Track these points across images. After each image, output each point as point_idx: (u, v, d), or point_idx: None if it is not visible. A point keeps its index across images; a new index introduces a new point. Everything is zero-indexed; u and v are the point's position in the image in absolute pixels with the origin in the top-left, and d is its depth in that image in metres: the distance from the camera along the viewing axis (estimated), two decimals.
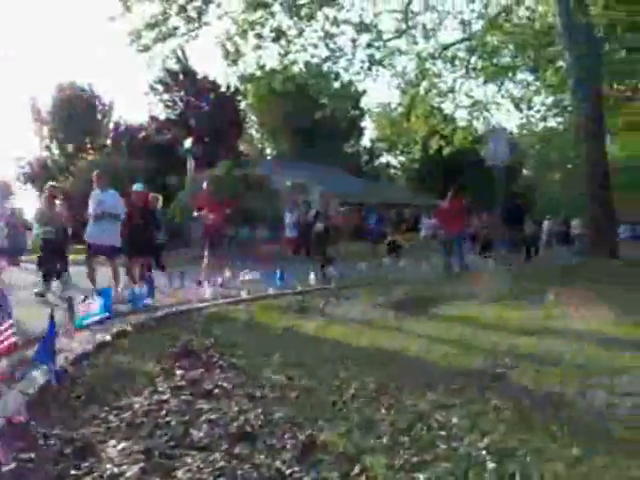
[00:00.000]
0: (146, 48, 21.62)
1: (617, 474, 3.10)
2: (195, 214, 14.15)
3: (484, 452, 3.40)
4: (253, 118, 64.32)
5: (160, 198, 14.22)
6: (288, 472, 3.16)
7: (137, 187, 12.34)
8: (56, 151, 49.55)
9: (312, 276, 12.99)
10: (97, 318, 7.88)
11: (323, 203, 16.00)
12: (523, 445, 3.48)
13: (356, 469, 3.18)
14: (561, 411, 4.09)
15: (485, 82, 25.76)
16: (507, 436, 3.64)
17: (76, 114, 45.95)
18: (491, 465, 3.22)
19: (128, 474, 3.17)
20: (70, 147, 46.09)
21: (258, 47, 22.81)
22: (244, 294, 10.76)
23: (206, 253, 13.51)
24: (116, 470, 3.22)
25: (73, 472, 3.21)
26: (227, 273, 13.46)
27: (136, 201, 12.02)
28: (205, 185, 14.96)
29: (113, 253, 11.37)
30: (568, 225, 33.52)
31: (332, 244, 14.52)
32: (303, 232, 16.90)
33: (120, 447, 3.53)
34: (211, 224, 13.54)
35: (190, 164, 30.28)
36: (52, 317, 5.06)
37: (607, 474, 3.10)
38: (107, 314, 8.15)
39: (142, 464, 3.28)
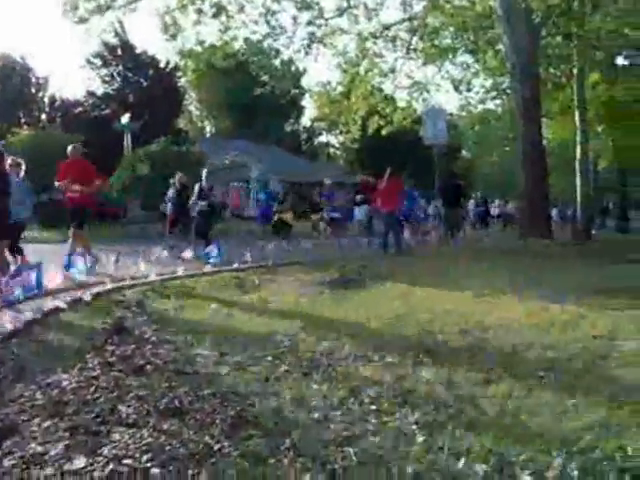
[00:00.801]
0: (83, 20, 21.02)
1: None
2: (56, 184, 11.72)
3: (414, 426, 3.43)
4: (192, 95, 63.52)
5: (22, 163, 10.96)
6: (217, 447, 3.12)
7: None
8: None
9: (248, 254, 12.93)
10: (30, 294, 7.73)
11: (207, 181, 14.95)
12: (453, 419, 3.52)
13: (286, 443, 3.16)
14: (489, 386, 4.16)
15: (425, 63, 25.88)
16: (437, 410, 3.68)
17: (9, 87, 44.55)
18: (420, 438, 3.25)
19: (52, 452, 3.08)
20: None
21: (198, 22, 22.43)
22: (180, 271, 10.62)
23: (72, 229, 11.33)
24: (39, 449, 3.13)
25: None
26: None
27: None
28: (71, 150, 11.76)
29: None
30: (487, 205, 34.11)
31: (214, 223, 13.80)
32: (178, 209, 15.56)
33: (45, 425, 3.44)
34: (77, 196, 11.24)
35: (127, 140, 29.72)
36: None
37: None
38: (37, 290, 8.00)
39: (67, 442, 3.20)
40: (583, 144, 23.37)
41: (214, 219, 13.70)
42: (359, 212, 19.74)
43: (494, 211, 34.09)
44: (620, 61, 26.53)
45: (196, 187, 14.83)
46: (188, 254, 13.68)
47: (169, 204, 16.19)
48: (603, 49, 22.79)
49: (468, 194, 29.24)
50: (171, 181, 17.08)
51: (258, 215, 20.05)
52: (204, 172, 15.54)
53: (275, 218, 17.99)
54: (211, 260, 12.24)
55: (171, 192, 16.25)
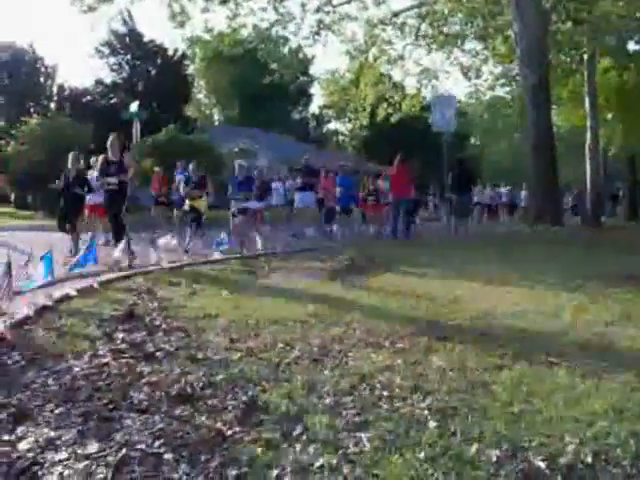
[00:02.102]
0: (90, 9, 21.01)
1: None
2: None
3: (426, 412, 3.42)
4: (201, 83, 63.52)
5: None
6: (229, 433, 3.13)
7: None
8: None
9: (259, 241, 12.96)
10: (41, 282, 7.72)
11: (115, 148, 11.53)
12: (464, 404, 3.52)
13: (298, 429, 3.16)
14: (501, 371, 4.15)
15: (434, 50, 25.77)
16: (449, 396, 3.67)
17: (18, 77, 44.59)
18: (433, 424, 3.24)
19: (65, 437, 3.09)
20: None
21: (206, 10, 22.41)
22: (186, 259, 10.64)
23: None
24: (52, 434, 3.14)
25: (6, 437, 3.12)
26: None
27: None
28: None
29: None
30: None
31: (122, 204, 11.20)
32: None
33: (57, 411, 3.45)
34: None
35: (136, 128, 29.70)
36: None
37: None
38: (49, 279, 8.00)
39: (79, 427, 3.21)
40: (593, 131, 23.25)
41: (121, 200, 11.03)
42: (302, 198, 17.71)
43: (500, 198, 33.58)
44: (632, 46, 26.35)
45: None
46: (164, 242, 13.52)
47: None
48: (614, 34, 22.60)
49: (476, 180, 28.85)
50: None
51: (178, 200, 17.27)
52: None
53: (186, 204, 14.62)
54: (220, 248, 12.24)
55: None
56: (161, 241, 13.29)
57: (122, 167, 11.23)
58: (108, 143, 11.43)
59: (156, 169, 19.65)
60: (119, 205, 11.09)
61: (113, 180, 11.16)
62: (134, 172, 11.29)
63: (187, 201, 14.40)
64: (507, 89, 32.25)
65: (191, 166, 15.15)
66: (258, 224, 15.42)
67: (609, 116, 27.44)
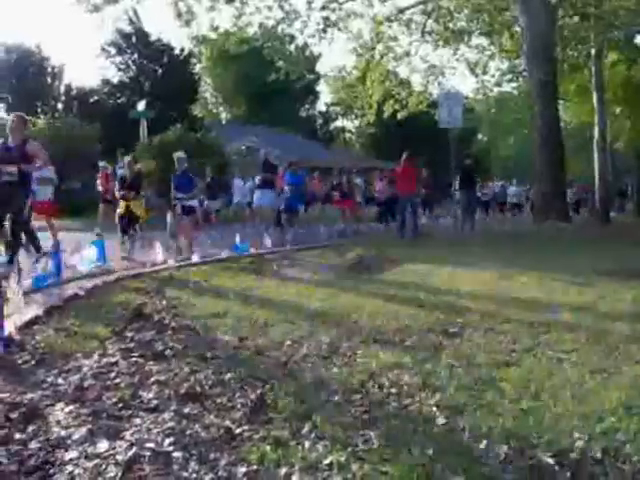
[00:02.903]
0: (96, 8, 21.02)
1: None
2: None
3: (435, 409, 3.42)
4: (208, 82, 63.55)
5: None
6: (238, 431, 3.14)
7: None
8: (5, 115, 48.22)
9: (267, 239, 12.95)
10: (51, 280, 7.83)
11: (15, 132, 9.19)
12: (473, 401, 3.52)
13: (307, 427, 3.17)
14: (510, 368, 4.15)
15: (440, 46, 25.71)
16: (458, 392, 3.67)
17: (25, 78, 44.65)
18: (441, 420, 3.25)
19: (75, 436, 3.11)
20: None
21: (212, 9, 22.39)
22: (196, 258, 10.65)
23: None
24: (63, 433, 3.16)
25: (18, 436, 3.14)
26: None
27: None
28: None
29: None
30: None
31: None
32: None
33: (67, 410, 3.47)
34: None
35: (143, 128, 29.79)
36: None
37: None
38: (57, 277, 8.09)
39: (89, 426, 3.22)
40: (601, 126, 23.16)
41: (21, 195, 8.86)
42: (261, 197, 15.24)
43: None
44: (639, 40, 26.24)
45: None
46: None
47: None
48: (622, 28, 22.49)
49: (480, 176, 28.52)
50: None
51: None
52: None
53: (121, 205, 12.81)
54: (235, 247, 12.16)
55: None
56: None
57: (24, 154, 9.01)
58: (7, 125, 9.27)
59: (101, 164, 17.79)
60: (19, 202, 9.01)
61: (11, 169, 8.86)
62: (43, 163, 9.40)
63: (121, 203, 12.73)
64: (514, 85, 32.24)
65: (126, 159, 14.06)
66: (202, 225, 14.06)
67: (617, 111, 27.32)
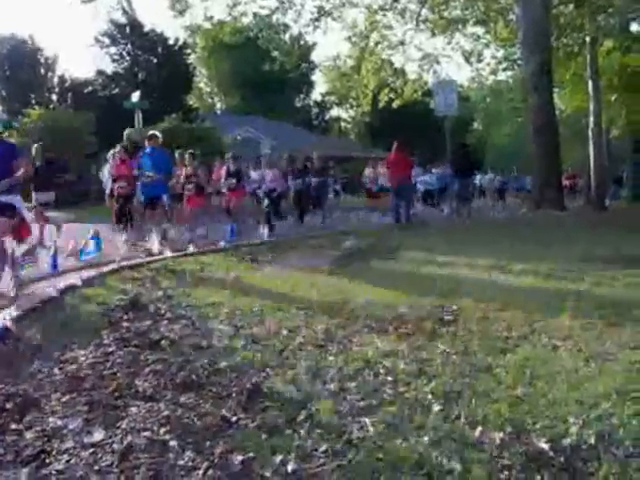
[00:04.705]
0: None
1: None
2: None
3: (430, 396, 3.43)
4: (202, 72, 63.33)
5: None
6: (234, 419, 3.15)
7: None
8: None
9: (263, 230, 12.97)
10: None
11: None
12: (468, 388, 3.53)
13: (302, 415, 3.18)
14: (505, 355, 4.16)
15: (435, 35, 25.62)
16: (453, 380, 3.68)
17: (18, 68, 44.41)
18: (437, 408, 3.26)
19: (71, 426, 3.12)
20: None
21: None
22: (192, 248, 10.65)
23: None
24: (59, 422, 3.17)
25: (14, 426, 3.15)
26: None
27: None
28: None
29: None
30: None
31: None
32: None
33: (63, 400, 3.48)
34: None
35: (138, 118, 29.67)
36: None
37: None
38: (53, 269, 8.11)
39: (85, 415, 3.23)
40: (596, 113, 23.12)
41: None
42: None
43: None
44: (635, 27, 26.15)
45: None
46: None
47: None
48: (617, 15, 22.42)
49: (478, 164, 28.09)
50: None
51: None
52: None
53: (33, 198, 11.75)
54: (227, 238, 12.20)
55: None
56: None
57: None
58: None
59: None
60: None
61: None
62: None
63: (34, 195, 11.82)
64: (509, 73, 32.14)
65: (34, 148, 12.52)
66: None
67: (612, 98, 27.25)
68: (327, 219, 17.73)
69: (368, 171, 20.47)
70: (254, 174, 15.73)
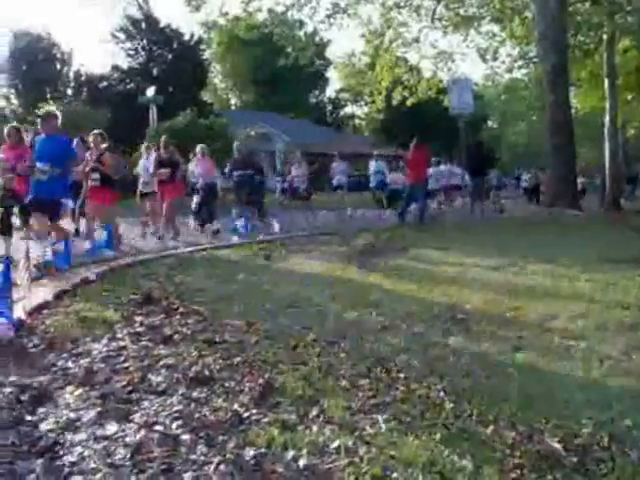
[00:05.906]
0: None
1: None
2: None
3: (442, 394, 3.43)
4: (217, 67, 63.45)
5: None
6: (246, 415, 3.15)
7: None
8: (15, 101, 48.21)
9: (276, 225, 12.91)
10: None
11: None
12: (481, 387, 3.52)
13: (314, 411, 3.18)
14: (518, 354, 4.15)
15: (450, 32, 25.55)
16: (465, 378, 3.68)
17: (34, 63, 44.60)
18: (448, 405, 3.25)
19: (84, 419, 3.14)
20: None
21: None
22: (207, 243, 10.67)
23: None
24: (72, 415, 3.19)
25: (29, 418, 3.17)
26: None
27: None
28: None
29: None
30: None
31: None
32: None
33: (77, 393, 3.50)
34: None
35: (153, 113, 29.77)
36: (7, 266, 4.96)
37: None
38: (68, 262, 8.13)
39: (99, 409, 3.25)
40: (612, 112, 22.96)
41: None
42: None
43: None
44: None
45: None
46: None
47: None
48: (634, 13, 22.25)
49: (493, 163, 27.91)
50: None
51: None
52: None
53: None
54: (238, 232, 12.20)
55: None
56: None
57: None
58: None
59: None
60: None
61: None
62: None
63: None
64: (525, 71, 31.96)
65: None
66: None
67: (629, 97, 27.05)
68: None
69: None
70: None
